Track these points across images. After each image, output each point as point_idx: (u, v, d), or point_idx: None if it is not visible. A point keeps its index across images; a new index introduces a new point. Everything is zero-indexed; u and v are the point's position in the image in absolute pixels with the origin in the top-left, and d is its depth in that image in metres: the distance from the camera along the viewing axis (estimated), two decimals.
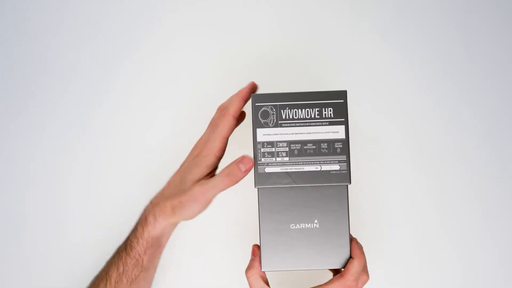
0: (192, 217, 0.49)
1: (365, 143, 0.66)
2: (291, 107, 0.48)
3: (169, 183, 0.51)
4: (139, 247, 0.50)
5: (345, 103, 0.48)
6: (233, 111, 0.49)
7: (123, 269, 0.51)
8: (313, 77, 0.68)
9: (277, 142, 0.48)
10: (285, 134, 0.48)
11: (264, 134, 0.48)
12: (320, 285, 0.48)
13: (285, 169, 0.48)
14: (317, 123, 0.48)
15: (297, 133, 0.48)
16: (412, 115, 0.67)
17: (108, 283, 0.52)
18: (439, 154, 0.67)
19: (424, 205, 0.66)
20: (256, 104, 0.48)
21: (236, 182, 0.47)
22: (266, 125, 0.48)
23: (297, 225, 0.48)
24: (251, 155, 0.48)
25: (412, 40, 0.69)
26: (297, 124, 0.48)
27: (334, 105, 0.48)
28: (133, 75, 0.69)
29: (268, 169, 0.48)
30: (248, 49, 0.69)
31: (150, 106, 0.69)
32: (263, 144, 0.48)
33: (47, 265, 0.66)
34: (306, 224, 0.48)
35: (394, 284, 0.65)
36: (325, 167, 0.48)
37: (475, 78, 0.68)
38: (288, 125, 0.48)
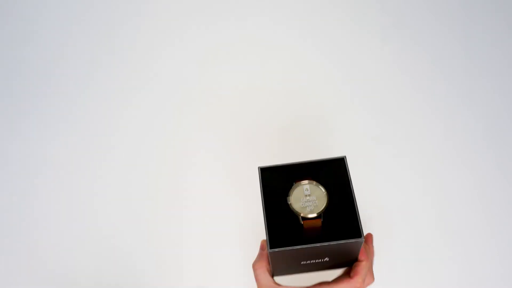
0: None
1: (365, 143, 0.67)
2: None
3: None
4: None
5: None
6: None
7: None
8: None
9: None
10: None
11: None
12: (329, 283, 0.49)
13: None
14: None
15: None
16: (412, 116, 0.68)
17: None
18: (439, 154, 0.67)
19: (424, 205, 0.66)
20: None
21: None
22: None
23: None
24: None
25: (412, 40, 0.69)
26: None
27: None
28: (132, 74, 0.68)
29: None
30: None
31: (150, 105, 0.68)
32: None
33: (46, 265, 0.65)
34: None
35: (393, 284, 0.65)
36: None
37: (475, 78, 0.68)
38: None
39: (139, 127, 0.67)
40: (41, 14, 0.68)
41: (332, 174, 0.50)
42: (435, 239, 0.65)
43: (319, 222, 0.48)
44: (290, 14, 0.69)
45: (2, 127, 0.66)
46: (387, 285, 0.64)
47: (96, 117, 0.67)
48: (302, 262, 0.50)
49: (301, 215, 0.47)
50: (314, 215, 0.47)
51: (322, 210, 0.47)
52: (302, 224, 0.47)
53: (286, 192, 0.49)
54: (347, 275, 0.49)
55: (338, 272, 0.54)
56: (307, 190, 0.48)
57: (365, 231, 0.63)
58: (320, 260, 0.50)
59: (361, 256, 0.49)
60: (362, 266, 0.48)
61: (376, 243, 0.65)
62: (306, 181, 0.48)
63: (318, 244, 0.46)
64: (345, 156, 0.50)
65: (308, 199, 0.48)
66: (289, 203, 0.48)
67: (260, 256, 0.51)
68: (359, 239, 0.47)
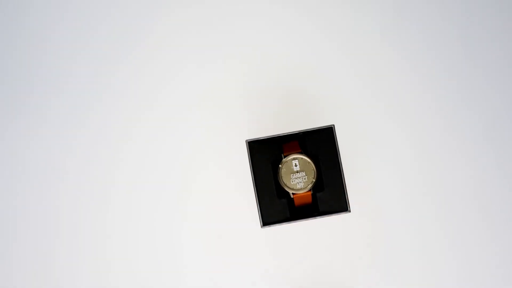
0: None
1: (364, 143, 0.66)
2: None
3: None
4: None
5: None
6: None
7: None
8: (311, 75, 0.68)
9: None
10: None
11: None
12: None
13: None
14: None
15: None
16: (411, 114, 0.67)
17: None
18: (439, 154, 0.66)
19: (423, 205, 0.66)
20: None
21: None
22: None
23: None
24: None
25: (412, 39, 0.68)
26: None
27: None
28: (132, 73, 0.68)
29: None
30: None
31: (150, 105, 0.68)
32: None
33: (44, 264, 0.65)
34: None
35: (392, 284, 0.65)
36: None
37: (475, 78, 0.68)
38: None
39: (137, 125, 0.67)
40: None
41: (321, 144, 0.50)
42: (434, 239, 0.65)
43: (309, 197, 0.49)
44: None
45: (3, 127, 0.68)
46: (386, 285, 0.63)
47: (94, 116, 0.68)
48: None
49: (291, 191, 0.48)
50: (304, 190, 0.48)
51: (312, 185, 0.48)
52: (293, 199, 0.49)
53: (275, 164, 0.49)
54: None
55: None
56: (296, 166, 0.48)
57: (364, 231, 0.63)
58: None
59: None
60: None
61: (375, 243, 0.64)
62: (294, 156, 0.49)
63: (307, 219, 0.49)
64: (333, 125, 0.49)
65: (297, 175, 0.48)
66: (279, 179, 0.48)
67: None
68: (346, 212, 0.49)
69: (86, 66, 0.68)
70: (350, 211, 0.49)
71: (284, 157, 0.48)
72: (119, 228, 0.66)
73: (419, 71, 0.68)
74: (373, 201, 0.65)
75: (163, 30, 0.69)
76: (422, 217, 0.65)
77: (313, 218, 0.49)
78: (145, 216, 0.65)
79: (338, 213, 0.49)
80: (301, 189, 0.48)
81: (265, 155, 0.49)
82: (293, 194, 0.48)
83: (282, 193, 0.49)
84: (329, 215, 0.49)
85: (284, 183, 0.48)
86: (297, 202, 0.49)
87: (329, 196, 0.49)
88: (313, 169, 0.49)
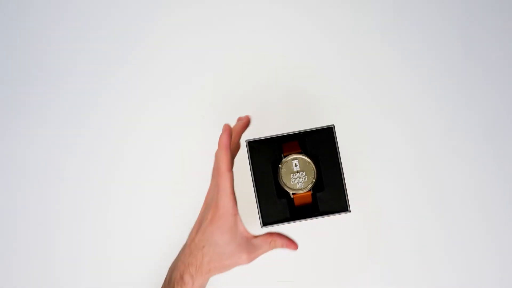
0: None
1: (364, 143, 0.67)
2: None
3: (195, 243, 0.51)
4: None
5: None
6: (225, 167, 0.48)
7: None
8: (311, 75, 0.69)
9: None
10: None
11: None
12: None
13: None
14: None
15: None
16: (411, 114, 0.68)
17: None
18: (439, 154, 0.67)
19: (422, 205, 0.66)
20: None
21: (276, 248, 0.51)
22: None
23: None
24: None
25: (412, 40, 0.69)
26: None
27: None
28: (133, 74, 0.69)
29: None
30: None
31: (151, 105, 0.68)
32: None
33: (44, 265, 0.65)
34: None
35: (392, 284, 0.65)
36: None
37: (475, 79, 0.68)
38: None
39: (137, 126, 0.68)
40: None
41: (321, 144, 0.50)
42: (433, 239, 0.65)
43: (309, 197, 0.50)
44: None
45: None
46: (385, 285, 0.63)
47: (94, 116, 0.68)
48: None
49: (291, 191, 0.49)
50: (304, 190, 0.49)
51: (312, 185, 0.49)
52: (293, 199, 0.49)
53: (275, 164, 0.49)
54: None
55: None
56: (296, 166, 0.49)
57: (364, 231, 0.64)
58: None
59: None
60: None
61: (375, 242, 0.65)
62: (294, 156, 0.49)
63: (307, 219, 0.49)
64: (333, 125, 0.49)
65: (297, 175, 0.49)
66: (279, 179, 0.49)
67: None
68: (346, 212, 0.49)
69: (86, 67, 0.68)
70: (350, 211, 0.49)
71: (284, 157, 0.49)
72: (119, 228, 0.66)
73: (419, 72, 0.68)
74: (373, 201, 0.66)
75: (163, 30, 0.69)
76: (421, 216, 0.66)
77: (313, 218, 0.49)
78: (144, 217, 0.65)
79: (338, 213, 0.49)
80: (301, 189, 0.48)
81: (265, 155, 0.49)
82: (293, 194, 0.49)
83: (282, 193, 0.49)
84: (329, 215, 0.49)
85: (284, 183, 0.49)
86: (297, 202, 0.49)
87: (329, 196, 0.49)
88: (313, 169, 0.49)
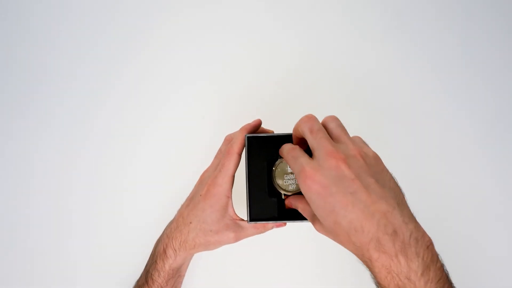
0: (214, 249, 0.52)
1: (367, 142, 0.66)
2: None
3: (183, 218, 0.52)
4: (161, 279, 0.51)
5: None
6: (237, 149, 0.49)
7: None
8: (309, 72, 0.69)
9: None
10: None
11: None
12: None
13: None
14: None
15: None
16: (410, 115, 0.68)
17: None
18: (438, 154, 0.67)
19: (422, 205, 0.65)
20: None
21: (266, 231, 0.52)
22: None
23: None
24: None
25: (412, 40, 0.69)
26: None
27: None
28: (137, 75, 0.70)
29: None
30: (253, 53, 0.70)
31: (156, 108, 0.69)
32: None
33: (49, 269, 0.67)
34: None
35: None
36: None
37: (475, 79, 0.68)
38: None
39: (142, 127, 0.69)
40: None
41: None
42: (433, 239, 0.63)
43: None
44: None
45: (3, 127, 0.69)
46: None
47: (99, 117, 0.70)
48: None
49: (283, 192, 0.49)
50: (295, 192, 0.49)
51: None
52: (284, 200, 0.49)
53: (270, 163, 0.50)
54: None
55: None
56: (290, 168, 0.49)
57: None
58: None
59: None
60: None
61: None
62: None
63: (294, 221, 0.49)
64: None
65: (291, 177, 0.49)
66: (272, 178, 0.49)
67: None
68: None
69: (90, 71, 0.70)
70: None
71: (280, 157, 0.49)
72: (118, 221, 0.67)
73: (419, 72, 0.68)
74: None
75: (165, 33, 0.70)
76: (419, 219, 0.66)
77: (300, 221, 0.49)
78: (144, 217, 0.66)
79: None
80: (292, 190, 0.48)
81: (262, 152, 0.50)
82: (284, 195, 0.49)
83: (274, 193, 0.50)
84: None
85: (277, 183, 0.49)
86: (287, 204, 0.49)
87: None
88: None
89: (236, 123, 0.54)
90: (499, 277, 0.64)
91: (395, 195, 0.38)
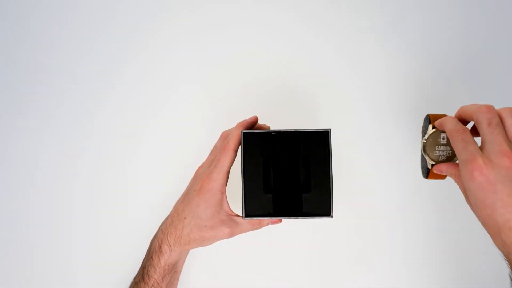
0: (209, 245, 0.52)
1: (364, 142, 0.67)
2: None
3: (178, 213, 0.52)
4: (157, 275, 0.51)
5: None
6: (233, 145, 0.50)
7: None
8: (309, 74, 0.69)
9: None
10: None
11: None
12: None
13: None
14: None
15: None
16: (410, 115, 0.67)
17: None
18: None
19: (423, 204, 0.66)
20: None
21: (261, 227, 0.52)
22: None
23: None
24: None
25: (412, 40, 0.69)
26: None
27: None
28: (137, 76, 0.70)
29: None
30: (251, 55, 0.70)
31: (155, 107, 0.69)
32: None
33: (48, 267, 0.67)
34: None
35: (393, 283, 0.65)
36: None
37: (474, 79, 0.67)
38: None
39: (143, 128, 0.69)
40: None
41: (316, 146, 0.50)
42: (434, 238, 0.64)
43: (444, 175, 0.50)
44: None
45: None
46: (387, 283, 0.63)
47: (100, 118, 0.70)
48: None
49: (432, 162, 0.49)
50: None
51: (454, 161, 0.49)
52: (428, 170, 0.50)
53: (266, 159, 0.49)
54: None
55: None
56: (444, 139, 0.49)
57: (363, 231, 0.64)
58: None
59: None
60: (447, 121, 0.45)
61: (374, 242, 0.64)
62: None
63: (289, 218, 0.49)
64: (330, 129, 0.49)
65: (442, 148, 0.49)
66: (422, 148, 0.49)
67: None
68: (328, 217, 0.49)
69: (89, 71, 0.70)
70: (332, 217, 0.49)
71: (433, 128, 0.49)
72: (117, 220, 0.67)
73: (417, 74, 0.68)
74: (370, 204, 0.66)
75: (164, 34, 0.70)
76: (419, 220, 0.65)
77: (295, 217, 0.49)
78: (144, 216, 0.66)
79: (321, 217, 0.49)
80: (443, 161, 0.49)
81: (258, 149, 0.49)
82: (432, 165, 0.49)
83: (269, 188, 0.50)
84: (312, 217, 0.49)
85: (427, 153, 0.49)
86: (431, 175, 0.50)
87: (314, 199, 0.49)
88: None
89: (236, 122, 0.54)
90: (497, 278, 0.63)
91: None
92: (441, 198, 0.65)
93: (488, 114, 0.41)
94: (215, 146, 0.54)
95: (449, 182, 0.64)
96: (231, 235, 0.51)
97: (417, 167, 0.66)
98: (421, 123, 0.67)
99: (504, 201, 0.38)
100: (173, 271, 0.53)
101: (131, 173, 0.68)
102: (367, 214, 0.65)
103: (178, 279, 0.56)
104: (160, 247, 0.51)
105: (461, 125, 0.43)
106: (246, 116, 0.54)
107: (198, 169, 0.54)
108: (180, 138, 0.68)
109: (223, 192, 0.50)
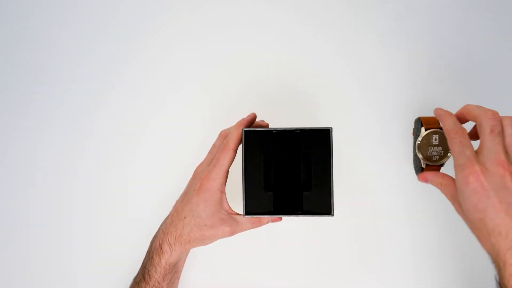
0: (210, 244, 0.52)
1: (364, 142, 0.67)
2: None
3: (177, 213, 0.52)
4: (158, 275, 0.51)
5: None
6: (233, 144, 0.50)
7: None
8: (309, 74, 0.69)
9: None
10: None
11: None
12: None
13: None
14: None
15: None
16: (410, 114, 0.67)
17: None
18: None
19: (422, 204, 0.66)
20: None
21: (262, 225, 0.52)
22: None
23: None
24: None
25: (412, 40, 0.69)
26: None
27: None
28: (137, 76, 0.70)
29: None
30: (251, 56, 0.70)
31: (155, 108, 0.69)
32: None
33: (49, 267, 0.67)
34: None
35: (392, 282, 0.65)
36: None
37: (474, 80, 0.67)
38: None
39: (143, 127, 0.69)
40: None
41: (316, 144, 0.50)
42: (434, 237, 0.64)
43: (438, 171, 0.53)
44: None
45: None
46: (386, 283, 0.63)
47: (100, 118, 0.70)
48: None
49: (426, 162, 0.52)
50: (438, 163, 0.53)
51: (446, 160, 0.52)
52: (422, 170, 0.53)
53: (266, 157, 0.50)
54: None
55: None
56: (436, 140, 0.52)
57: (363, 230, 0.64)
58: None
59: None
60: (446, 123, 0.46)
61: (375, 241, 0.64)
62: (435, 130, 0.53)
63: (289, 216, 0.49)
64: (331, 128, 0.49)
65: (435, 148, 0.52)
66: (416, 149, 0.53)
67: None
68: (329, 215, 0.49)
69: (89, 70, 0.70)
70: (333, 215, 0.49)
71: (426, 130, 0.52)
72: (117, 219, 0.67)
73: (417, 74, 0.68)
74: (371, 203, 0.66)
75: (164, 34, 0.70)
76: (419, 220, 0.65)
77: (295, 215, 0.49)
78: (143, 216, 0.66)
79: (321, 215, 0.49)
80: (436, 161, 0.52)
81: (259, 146, 0.49)
82: (426, 164, 0.52)
83: (269, 186, 0.50)
84: (312, 215, 0.49)
85: (421, 153, 0.52)
86: (422, 178, 0.52)
87: (315, 197, 0.49)
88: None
89: (236, 122, 0.54)
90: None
91: None
92: (440, 197, 0.64)
93: (493, 121, 0.43)
94: (214, 145, 0.54)
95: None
96: (232, 233, 0.51)
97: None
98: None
99: (496, 206, 0.39)
100: (174, 270, 0.53)
101: (131, 173, 0.68)
102: (367, 214, 0.65)
103: (179, 278, 0.56)
104: (160, 246, 0.51)
105: (459, 126, 0.44)
106: (245, 116, 0.54)
107: (197, 168, 0.54)
108: (180, 138, 0.68)
109: (223, 191, 0.50)
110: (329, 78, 0.68)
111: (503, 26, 0.68)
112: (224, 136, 0.53)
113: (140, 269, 0.54)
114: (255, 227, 0.52)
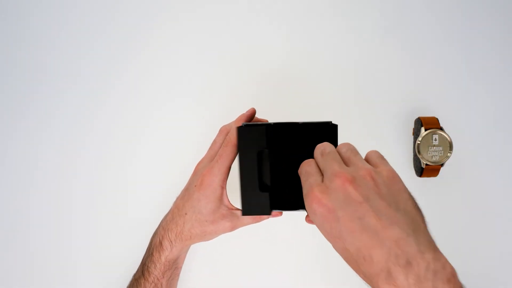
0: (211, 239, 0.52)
1: (364, 142, 0.65)
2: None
3: (178, 209, 0.52)
4: (157, 271, 0.51)
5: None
6: (235, 141, 0.49)
7: None
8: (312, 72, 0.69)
9: None
10: None
11: None
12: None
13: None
14: None
15: None
16: (410, 114, 0.67)
17: None
18: None
19: (422, 203, 0.65)
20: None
21: (262, 220, 0.52)
22: None
23: None
24: None
25: (412, 40, 0.69)
26: None
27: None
28: (137, 76, 0.70)
29: None
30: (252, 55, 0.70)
31: (155, 108, 0.69)
32: None
33: (49, 267, 0.67)
34: None
35: None
36: None
37: (474, 80, 0.67)
38: None
39: (143, 127, 0.69)
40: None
41: (320, 140, 0.46)
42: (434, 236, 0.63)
43: (437, 171, 0.55)
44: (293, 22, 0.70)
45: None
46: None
47: (99, 117, 0.70)
48: None
49: (426, 162, 0.53)
50: (438, 163, 0.54)
51: (446, 160, 0.54)
52: (422, 169, 0.54)
53: (267, 152, 0.48)
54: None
55: None
56: (436, 140, 0.53)
57: None
58: None
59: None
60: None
61: None
62: (435, 130, 0.54)
63: (292, 211, 0.48)
64: (330, 122, 0.48)
65: (435, 149, 0.53)
66: (415, 149, 0.53)
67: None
68: None
69: (89, 71, 0.70)
70: None
71: (425, 130, 0.52)
72: (119, 219, 0.67)
73: (417, 74, 0.68)
74: None
75: (164, 34, 0.70)
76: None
77: (296, 210, 0.48)
78: (143, 216, 0.66)
79: None
80: (435, 161, 0.53)
81: (255, 142, 0.47)
82: (425, 165, 0.53)
83: (265, 186, 0.48)
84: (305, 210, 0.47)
85: (421, 153, 0.52)
86: (424, 174, 0.53)
87: None
88: (449, 145, 0.53)
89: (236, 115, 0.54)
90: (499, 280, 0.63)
91: (411, 220, 0.35)
92: (438, 196, 0.65)
93: (320, 147, 0.41)
94: (215, 141, 0.54)
95: (445, 180, 0.65)
96: (232, 228, 0.51)
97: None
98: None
99: (348, 227, 0.34)
100: (174, 267, 0.53)
101: (131, 173, 0.68)
102: None
103: (178, 275, 0.56)
104: (161, 243, 0.51)
105: (310, 160, 0.41)
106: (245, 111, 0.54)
107: (197, 165, 0.54)
108: (180, 138, 0.68)
109: (224, 187, 0.50)
110: (329, 78, 0.68)
111: (503, 26, 0.68)
112: (224, 131, 0.53)
113: (140, 265, 0.54)
114: (256, 222, 0.52)
